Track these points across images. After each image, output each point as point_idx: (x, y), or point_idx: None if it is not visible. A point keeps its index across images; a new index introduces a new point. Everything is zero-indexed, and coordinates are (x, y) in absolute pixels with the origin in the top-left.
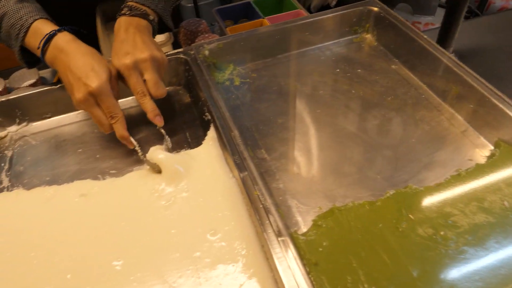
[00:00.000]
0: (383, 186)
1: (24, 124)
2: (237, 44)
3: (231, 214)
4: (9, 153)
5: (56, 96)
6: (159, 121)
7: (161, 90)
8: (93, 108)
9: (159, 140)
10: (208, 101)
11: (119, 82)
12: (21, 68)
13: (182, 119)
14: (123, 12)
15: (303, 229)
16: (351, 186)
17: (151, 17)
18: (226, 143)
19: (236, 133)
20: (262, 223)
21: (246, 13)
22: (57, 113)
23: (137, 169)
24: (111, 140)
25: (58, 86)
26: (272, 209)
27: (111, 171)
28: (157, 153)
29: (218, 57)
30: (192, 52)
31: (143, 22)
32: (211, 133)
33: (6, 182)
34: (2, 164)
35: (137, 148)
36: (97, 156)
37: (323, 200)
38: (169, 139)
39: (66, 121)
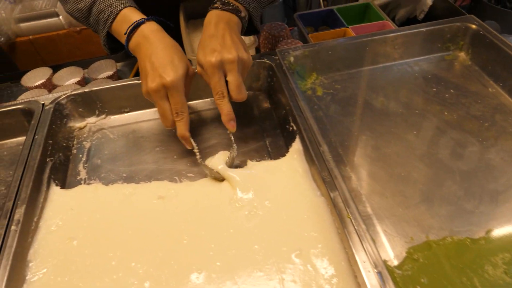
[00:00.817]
0: (483, 222)
1: (103, 116)
2: (323, 52)
3: (319, 235)
4: (87, 145)
5: (137, 91)
6: (232, 126)
7: (243, 94)
8: (162, 100)
9: (227, 146)
10: (294, 111)
11: (201, 78)
12: (99, 59)
13: (261, 126)
14: (215, 5)
15: (395, 260)
16: (447, 218)
17: (243, 14)
18: (314, 158)
19: (325, 148)
20: (356, 250)
21: (327, 20)
22: (136, 108)
23: None
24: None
25: (140, 81)
26: (367, 236)
27: (188, 174)
28: (217, 163)
29: (302, 65)
30: (276, 58)
31: (234, 18)
32: (297, 145)
33: (83, 174)
34: (80, 155)
35: (195, 150)
36: (174, 157)
37: (414, 230)
38: (236, 147)
39: (145, 117)
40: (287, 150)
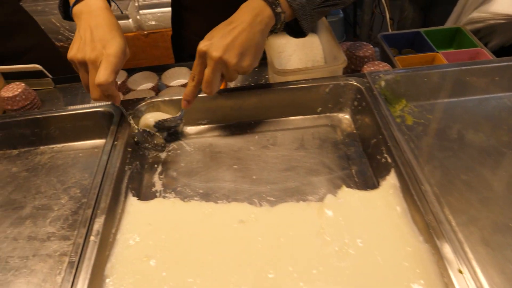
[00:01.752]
0: None
1: (180, 126)
2: (418, 79)
3: None
4: (162, 155)
5: (217, 103)
6: (184, 105)
7: (210, 90)
8: (92, 71)
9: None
10: (389, 141)
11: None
12: (174, 66)
13: (346, 153)
14: None
15: None
16: None
17: (278, 10)
18: (415, 197)
19: (427, 187)
20: None
21: (412, 43)
22: (214, 122)
23: (295, 199)
24: (268, 161)
25: (221, 93)
26: None
27: (268, 197)
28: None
29: (392, 90)
30: (365, 80)
31: (267, 12)
32: (392, 179)
33: (158, 186)
34: (155, 166)
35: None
36: (253, 177)
37: None
38: (178, 120)
39: (223, 132)
40: (376, 182)
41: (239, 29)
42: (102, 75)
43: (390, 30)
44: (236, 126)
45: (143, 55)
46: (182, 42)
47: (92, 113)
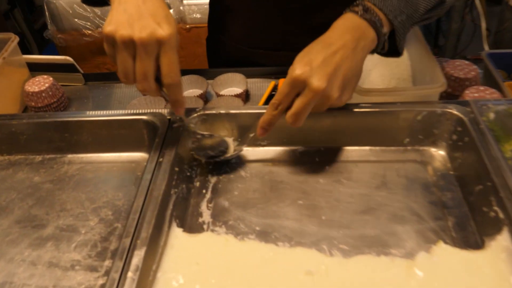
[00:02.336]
0: None
1: (236, 146)
2: None
3: None
4: (212, 179)
5: (281, 122)
6: (260, 132)
7: (297, 122)
8: (143, 57)
9: None
10: (501, 190)
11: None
12: (226, 72)
13: (440, 198)
14: (355, 9)
15: None
16: None
17: (384, 30)
18: None
19: None
20: None
21: None
22: (277, 143)
23: (375, 251)
24: (341, 200)
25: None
26: None
27: (340, 245)
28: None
29: (502, 125)
30: (469, 110)
31: (370, 34)
32: (505, 241)
33: (206, 216)
34: (204, 191)
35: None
36: (323, 217)
37: None
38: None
39: (286, 157)
40: (481, 241)
41: (342, 55)
42: (171, 70)
43: (485, 44)
44: (304, 152)
45: (182, 53)
46: (218, 47)
47: (133, 121)
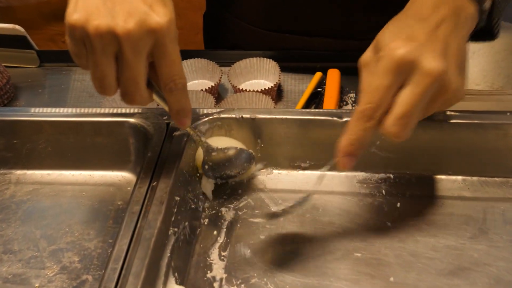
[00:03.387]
0: None
1: (261, 167)
2: None
3: None
4: (228, 215)
5: (326, 133)
6: (343, 164)
7: (405, 130)
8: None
9: None
10: None
11: None
12: (249, 56)
13: None
14: None
15: None
16: None
17: (486, 6)
18: None
19: None
20: None
21: None
22: (316, 166)
23: None
24: (419, 254)
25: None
26: None
27: None
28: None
29: None
30: None
31: (470, 9)
32: None
33: (218, 270)
34: (215, 233)
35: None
36: (391, 279)
37: None
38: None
39: (337, 186)
40: None
41: (445, 31)
42: (174, 71)
43: None
44: (364, 180)
45: (178, 22)
46: (220, 27)
47: (113, 125)
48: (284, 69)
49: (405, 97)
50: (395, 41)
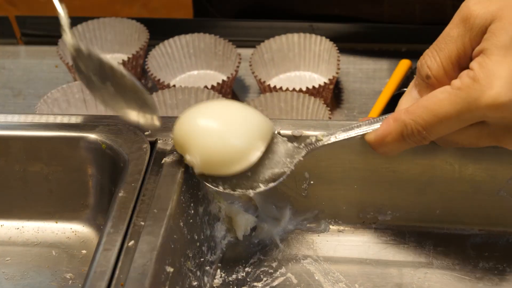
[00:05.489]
0: None
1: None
2: None
3: None
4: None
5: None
6: None
7: None
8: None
9: None
10: None
11: None
12: (280, 33)
13: None
14: None
15: None
16: None
17: None
18: None
19: None
20: None
21: None
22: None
23: None
24: None
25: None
26: None
27: None
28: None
29: None
30: None
31: None
32: None
33: None
34: (210, 270)
35: None
36: None
37: None
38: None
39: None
40: None
41: None
42: None
43: None
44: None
45: None
46: None
47: (60, 142)
48: (343, 51)
49: None
50: None
